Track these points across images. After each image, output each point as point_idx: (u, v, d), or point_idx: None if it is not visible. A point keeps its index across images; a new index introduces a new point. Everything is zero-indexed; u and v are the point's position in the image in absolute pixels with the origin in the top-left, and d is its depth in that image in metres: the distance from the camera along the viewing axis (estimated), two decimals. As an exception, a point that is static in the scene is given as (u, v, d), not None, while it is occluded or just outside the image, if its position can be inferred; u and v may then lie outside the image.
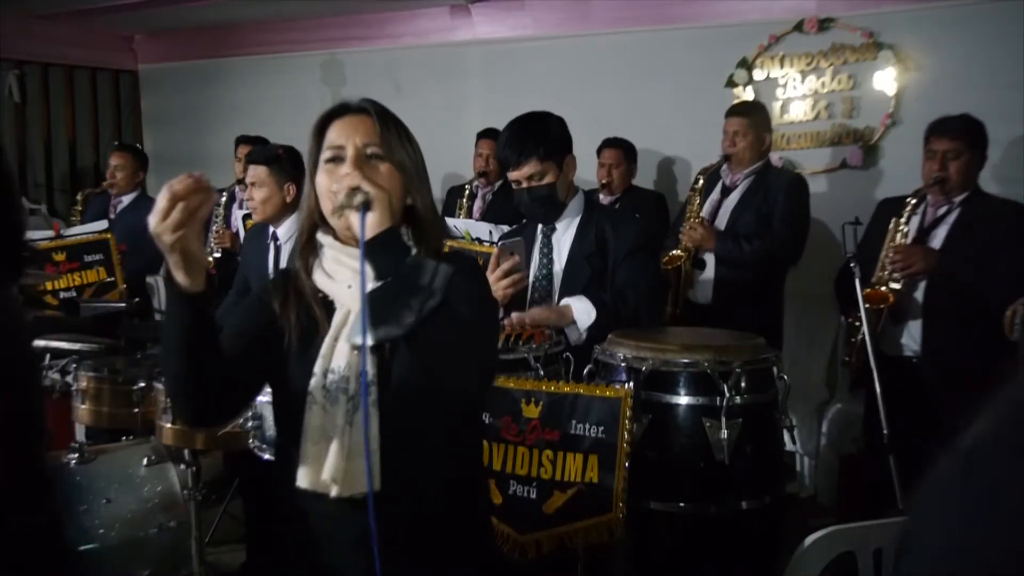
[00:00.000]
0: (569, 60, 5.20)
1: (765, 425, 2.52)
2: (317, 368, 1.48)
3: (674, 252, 3.79)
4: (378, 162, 1.50)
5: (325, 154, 1.52)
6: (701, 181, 3.84)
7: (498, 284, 2.73)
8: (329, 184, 1.49)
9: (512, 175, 2.83)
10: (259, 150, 3.52)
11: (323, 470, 1.44)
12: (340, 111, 1.54)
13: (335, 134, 1.52)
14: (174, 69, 6.79)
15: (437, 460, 1.51)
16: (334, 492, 1.43)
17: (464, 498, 1.59)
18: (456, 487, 1.56)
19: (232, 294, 3.59)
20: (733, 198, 3.88)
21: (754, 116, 3.92)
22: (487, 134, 4.93)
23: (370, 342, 1.39)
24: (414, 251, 1.46)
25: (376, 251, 1.40)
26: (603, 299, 2.75)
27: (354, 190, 1.42)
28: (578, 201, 2.91)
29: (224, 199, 4.94)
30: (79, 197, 5.34)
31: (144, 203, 5.22)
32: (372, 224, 1.41)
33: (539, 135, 2.79)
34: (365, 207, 1.41)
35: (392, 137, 1.52)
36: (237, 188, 4.98)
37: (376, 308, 1.37)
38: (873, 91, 4.40)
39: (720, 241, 3.74)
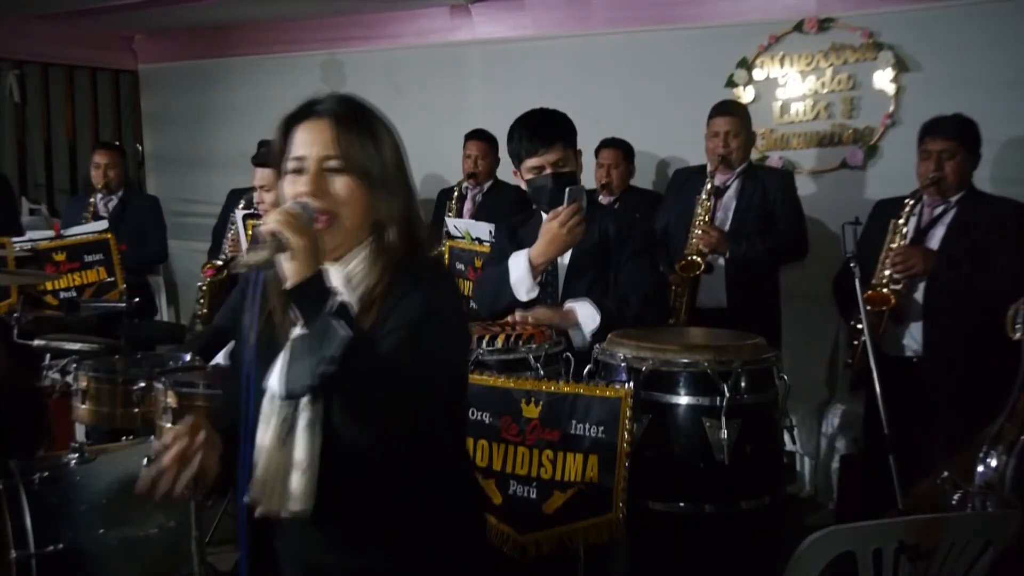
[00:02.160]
0: (569, 60, 5.19)
1: (765, 425, 2.52)
2: (268, 385, 1.47)
3: (692, 258, 3.75)
4: (336, 176, 1.47)
5: (289, 164, 1.49)
6: (710, 185, 3.83)
7: (563, 228, 2.70)
8: (293, 195, 1.47)
9: (535, 161, 2.79)
10: (265, 152, 3.45)
11: (253, 489, 1.44)
12: (305, 113, 1.50)
13: (298, 142, 1.49)
14: (174, 69, 6.78)
15: (376, 488, 1.48)
16: (260, 510, 1.44)
17: (423, 526, 1.53)
18: (405, 513, 1.51)
19: (236, 292, 3.59)
20: (729, 199, 3.89)
21: (743, 115, 3.94)
22: (475, 135, 4.92)
23: (282, 393, 1.40)
24: (338, 297, 1.37)
25: (297, 301, 1.37)
26: (607, 304, 2.74)
27: (272, 237, 1.36)
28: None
29: (243, 204, 4.92)
30: (92, 200, 5.25)
31: (136, 198, 5.23)
32: (290, 273, 1.36)
33: (564, 124, 2.84)
34: (266, 266, 1.37)
35: (354, 146, 1.47)
36: (255, 194, 4.95)
37: (291, 359, 1.37)
38: (873, 91, 4.39)
39: (734, 244, 3.74)
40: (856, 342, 3.31)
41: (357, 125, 1.48)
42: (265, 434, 1.46)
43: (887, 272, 3.27)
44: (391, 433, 1.42)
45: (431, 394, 1.45)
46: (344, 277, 1.48)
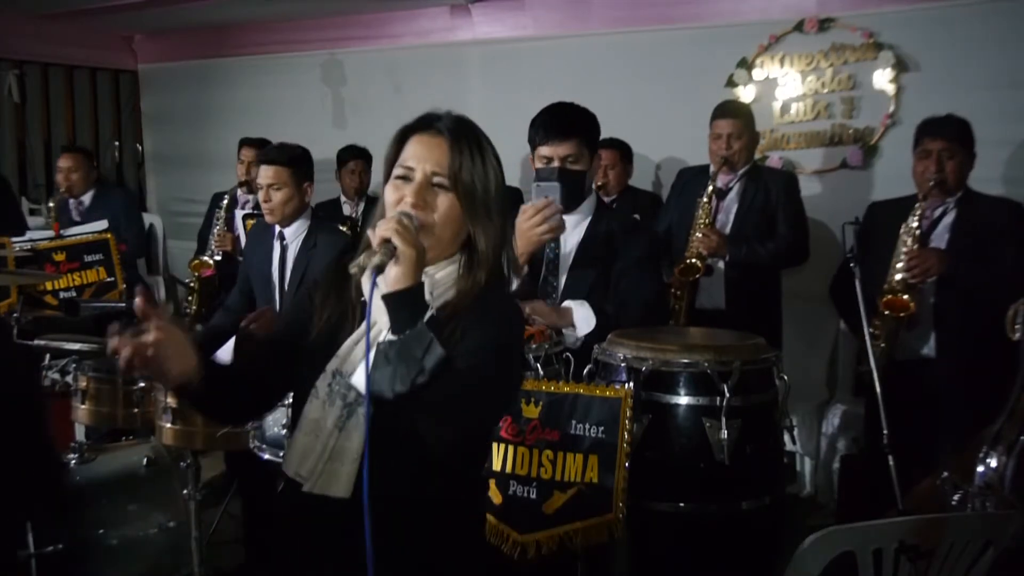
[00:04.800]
0: (569, 60, 5.20)
1: (765, 425, 2.52)
2: (330, 366, 1.54)
3: (690, 262, 3.74)
4: (441, 192, 1.54)
5: (397, 170, 1.56)
6: (711, 187, 3.82)
7: (534, 231, 2.62)
8: (394, 200, 1.54)
9: (546, 151, 2.74)
10: (277, 151, 3.42)
11: (303, 463, 1.54)
12: (423, 126, 1.57)
13: (411, 152, 1.56)
14: (174, 69, 6.78)
15: (417, 485, 1.53)
16: (306, 487, 1.53)
17: (446, 516, 1.58)
18: (438, 507, 1.56)
19: (235, 293, 3.59)
20: (731, 201, 3.88)
21: (746, 116, 3.92)
22: None
23: (368, 392, 1.45)
24: (431, 312, 1.44)
25: (393, 307, 1.42)
26: (606, 310, 2.73)
27: (384, 243, 1.43)
28: (590, 202, 2.88)
29: (226, 201, 4.94)
30: (51, 205, 5.17)
31: (106, 196, 5.21)
32: (394, 279, 1.42)
33: (585, 121, 2.80)
34: (378, 270, 1.42)
35: (464, 168, 1.53)
36: (240, 191, 4.98)
37: (377, 363, 1.43)
38: (873, 91, 4.40)
39: (734, 247, 3.73)
40: (873, 345, 3.27)
41: (470, 148, 1.55)
42: (322, 415, 1.53)
43: (899, 276, 3.22)
44: (465, 435, 1.52)
45: (494, 412, 1.61)
46: (429, 282, 1.52)
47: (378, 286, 1.43)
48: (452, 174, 1.53)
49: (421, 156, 1.54)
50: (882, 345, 3.22)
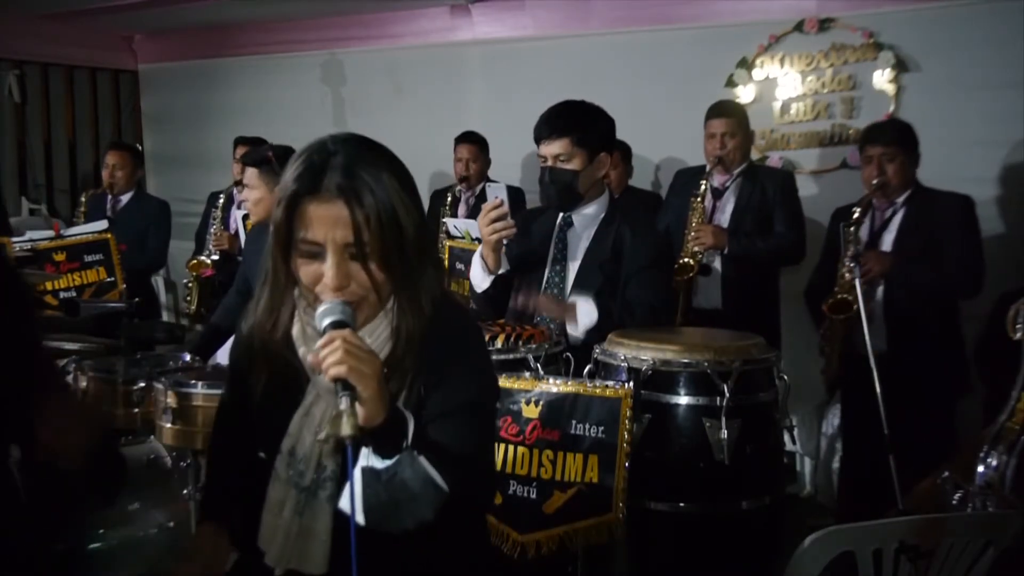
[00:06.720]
0: (569, 60, 5.19)
1: (765, 425, 2.53)
2: (284, 445, 1.48)
3: (684, 261, 3.75)
4: (360, 261, 1.37)
5: (302, 247, 1.38)
6: (703, 186, 3.83)
7: (486, 230, 2.73)
8: (311, 277, 1.39)
9: (541, 149, 2.81)
10: (250, 152, 3.51)
11: (270, 551, 1.49)
12: (311, 188, 1.36)
13: (310, 225, 1.36)
14: (174, 69, 6.78)
15: (393, 556, 1.44)
16: (278, 572, 1.49)
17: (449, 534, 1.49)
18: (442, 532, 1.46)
19: (232, 294, 3.59)
20: (727, 200, 3.88)
21: (740, 115, 3.93)
22: (465, 138, 4.93)
23: (367, 525, 1.36)
24: (410, 424, 1.37)
25: (377, 440, 1.34)
26: (609, 308, 2.74)
27: (337, 383, 1.28)
28: (601, 202, 2.88)
29: (222, 200, 4.96)
30: (83, 199, 5.33)
31: (143, 200, 5.24)
32: (366, 417, 1.29)
33: (581, 120, 2.79)
34: (354, 440, 1.27)
35: (372, 225, 1.35)
36: (235, 189, 4.99)
37: (367, 489, 1.34)
38: (873, 91, 4.39)
39: (734, 239, 3.74)
40: (828, 348, 3.47)
41: (370, 197, 1.35)
42: (285, 496, 1.47)
43: (847, 277, 3.32)
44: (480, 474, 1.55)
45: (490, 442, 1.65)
46: (371, 343, 1.41)
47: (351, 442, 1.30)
48: (362, 242, 1.35)
49: (326, 228, 1.35)
50: (824, 347, 3.47)
